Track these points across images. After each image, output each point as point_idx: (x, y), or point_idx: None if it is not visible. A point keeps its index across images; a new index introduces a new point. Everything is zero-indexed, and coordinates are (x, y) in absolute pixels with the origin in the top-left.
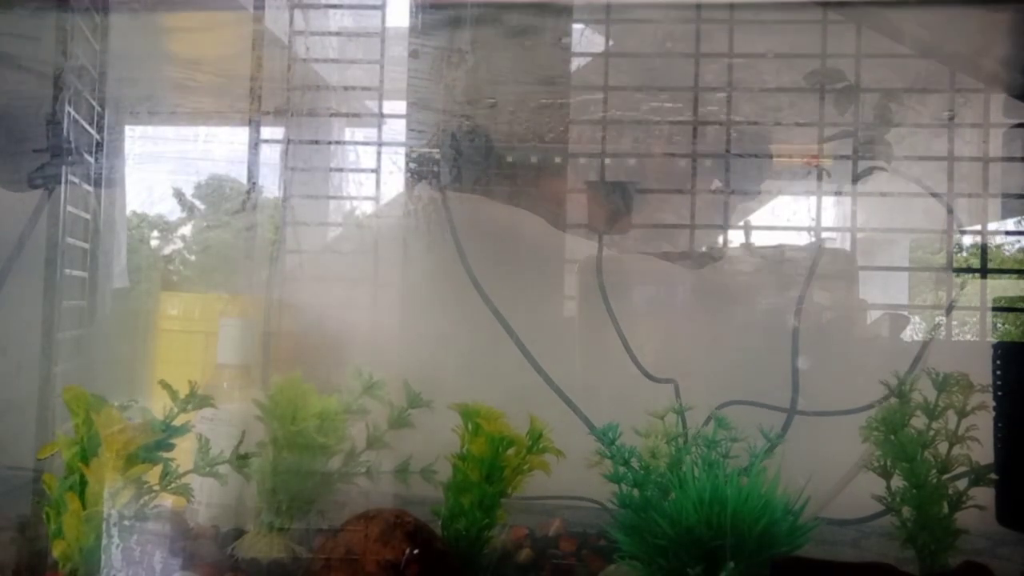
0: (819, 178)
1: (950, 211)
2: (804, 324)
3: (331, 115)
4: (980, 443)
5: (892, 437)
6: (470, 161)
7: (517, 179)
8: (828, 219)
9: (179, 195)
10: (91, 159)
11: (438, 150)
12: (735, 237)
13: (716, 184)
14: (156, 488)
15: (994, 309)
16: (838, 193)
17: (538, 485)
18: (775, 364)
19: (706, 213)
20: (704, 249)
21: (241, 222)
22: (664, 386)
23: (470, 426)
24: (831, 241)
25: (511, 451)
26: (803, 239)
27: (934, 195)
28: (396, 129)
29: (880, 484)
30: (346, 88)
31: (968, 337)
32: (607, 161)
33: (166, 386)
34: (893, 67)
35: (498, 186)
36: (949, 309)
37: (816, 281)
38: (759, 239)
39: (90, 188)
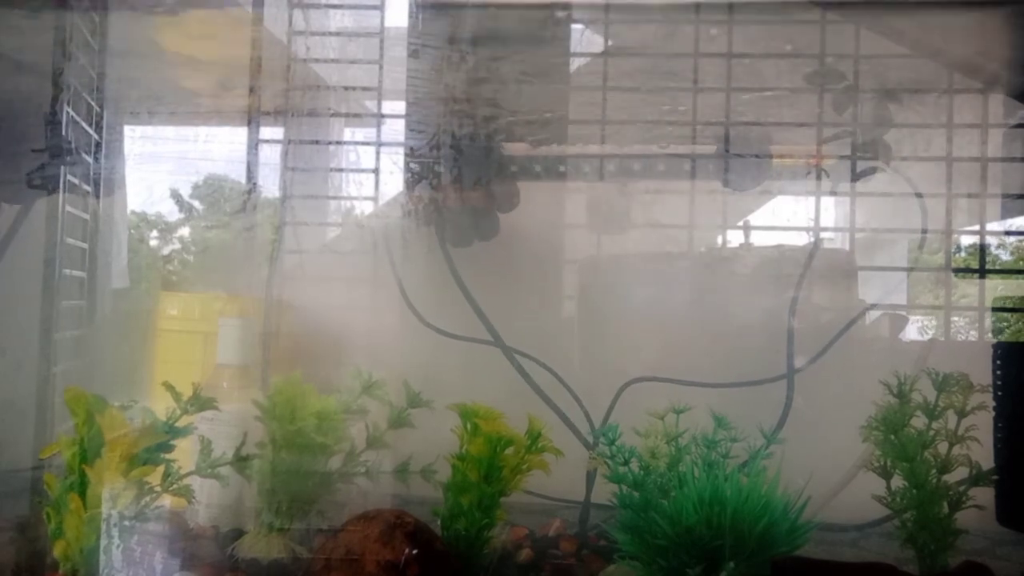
0: (818, 178)
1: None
2: (802, 324)
3: (331, 115)
4: (980, 443)
5: (892, 437)
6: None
7: None
8: (827, 219)
9: (178, 196)
10: (90, 159)
11: (436, 151)
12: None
13: None
14: (157, 489)
15: (994, 309)
16: (833, 193)
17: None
18: (772, 364)
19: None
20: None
21: (241, 222)
22: (661, 387)
23: (469, 426)
24: (830, 241)
25: (510, 451)
26: (803, 239)
27: (918, 195)
28: (396, 129)
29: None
30: (346, 88)
31: (967, 337)
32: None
33: (169, 388)
34: (892, 67)
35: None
36: (944, 308)
37: (814, 281)
38: (758, 239)
39: (89, 188)
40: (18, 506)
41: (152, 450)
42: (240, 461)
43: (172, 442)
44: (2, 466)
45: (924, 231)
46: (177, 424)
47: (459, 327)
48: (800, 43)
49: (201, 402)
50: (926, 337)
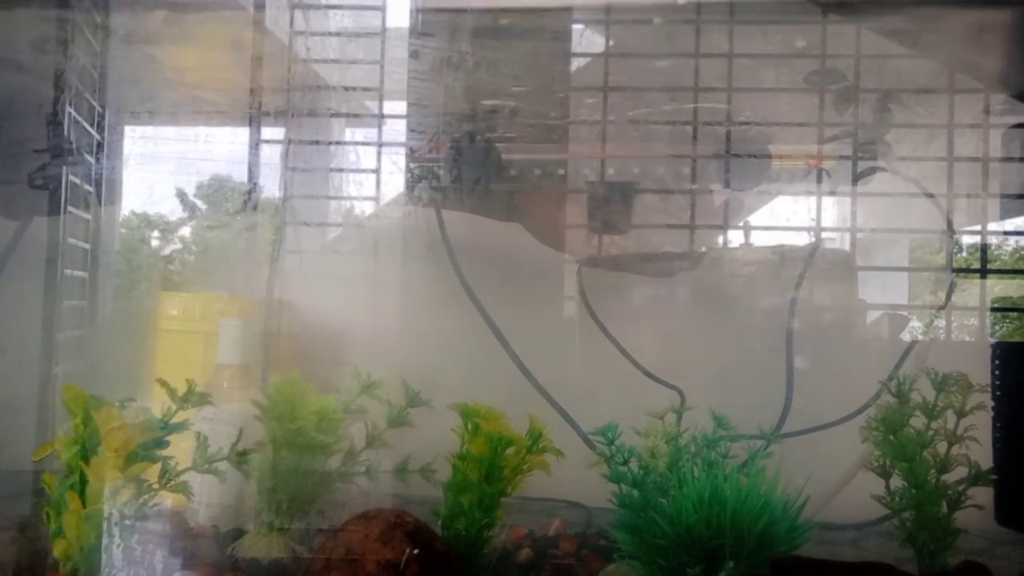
0: (819, 179)
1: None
2: (802, 324)
3: (331, 115)
4: (979, 443)
5: (891, 437)
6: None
7: None
8: (828, 219)
9: (181, 195)
10: (92, 159)
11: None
12: (735, 237)
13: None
14: (155, 487)
15: (993, 310)
16: (832, 193)
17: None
18: (773, 365)
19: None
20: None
21: (241, 222)
22: (662, 389)
23: (469, 426)
24: (831, 241)
25: (510, 451)
26: (803, 239)
27: (928, 195)
28: (396, 129)
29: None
30: (346, 88)
31: (967, 337)
32: None
33: (164, 384)
34: (893, 68)
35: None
36: (941, 308)
37: (814, 281)
38: (759, 239)
39: (90, 188)
40: (19, 506)
41: (148, 446)
42: (239, 457)
43: (171, 440)
44: (2, 466)
45: (949, 231)
46: (173, 421)
47: None
48: (800, 43)
49: (196, 398)
50: (918, 336)
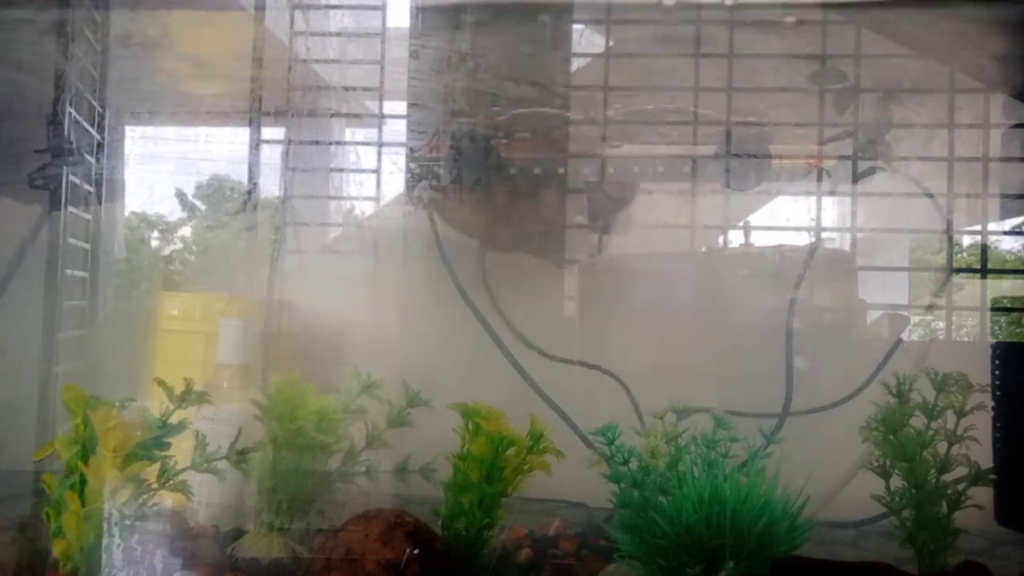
0: (819, 179)
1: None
2: (802, 324)
3: (331, 115)
4: (979, 443)
5: (891, 437)
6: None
7: None
8: (828, 219)
9: (180, 195)
10: (92, 159)
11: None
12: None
13: None
14: (154, 486)
15: (993, 309)
16: (832, 193)
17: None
18: (773, 365)
19: None
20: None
21: (241, 222)
22: (661, 387)
23: (470, 426)
24: (831, 241)
25: (511, 451)
26: (803, 239)
27: (928, 195)
28: (396, 129)
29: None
30: (346, 89)
31: (967, 337)
32: None
33: (161, 383)
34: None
35: None
36: (930, 307)
37: (814, 281)
38: (759, 239)
39: (91, 188)
40: (19, 506)
41: (147, 446)
42: (238, 455)
43: (169, 440)
44: (3, 466)
45: (949, 231)
46: (171, 420)
47: None
48: (800, 43)
49: (194, 397)
50: (912, 336)
